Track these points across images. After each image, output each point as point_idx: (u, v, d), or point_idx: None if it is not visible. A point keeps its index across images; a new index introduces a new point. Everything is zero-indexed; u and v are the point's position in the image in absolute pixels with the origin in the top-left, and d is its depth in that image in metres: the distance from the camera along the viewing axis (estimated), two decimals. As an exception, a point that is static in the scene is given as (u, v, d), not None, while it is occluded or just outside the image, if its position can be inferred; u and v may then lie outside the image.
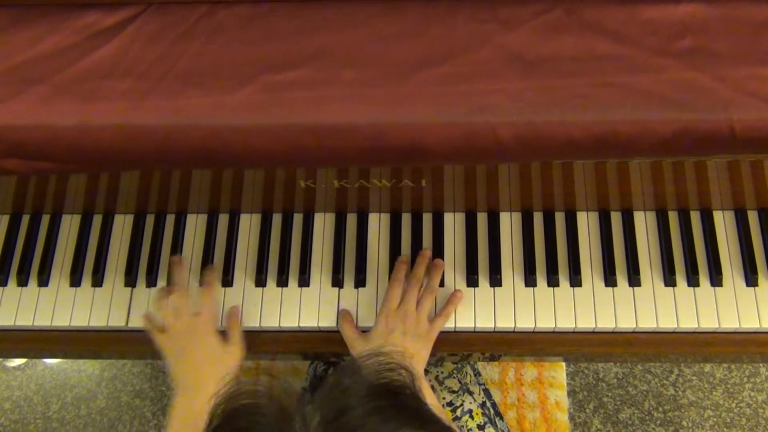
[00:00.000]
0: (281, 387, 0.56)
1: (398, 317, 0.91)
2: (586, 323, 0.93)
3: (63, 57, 0.77)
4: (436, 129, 0.72)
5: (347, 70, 0.75)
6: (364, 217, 1.00)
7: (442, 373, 1.09)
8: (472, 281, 0.96)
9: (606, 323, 0.93)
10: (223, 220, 1.02)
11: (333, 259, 0.98)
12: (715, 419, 1.69)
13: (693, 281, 0.94)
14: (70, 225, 1.03)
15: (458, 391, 1.06)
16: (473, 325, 0.94)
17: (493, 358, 1.09)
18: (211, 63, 0.76)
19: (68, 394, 1.80)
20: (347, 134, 0.73)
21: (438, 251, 0.98)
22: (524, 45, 0.75)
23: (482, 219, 0.99)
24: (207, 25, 0.79)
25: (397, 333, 0.90)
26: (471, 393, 1.07)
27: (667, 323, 0.92)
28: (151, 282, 0.99)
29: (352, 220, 1.01)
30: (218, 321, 0.96)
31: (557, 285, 0.95)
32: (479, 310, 0.95)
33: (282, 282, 0.98)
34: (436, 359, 1.07)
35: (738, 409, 1.70)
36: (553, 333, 0.95)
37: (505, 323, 0.94)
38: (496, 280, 0.96)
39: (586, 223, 0.98)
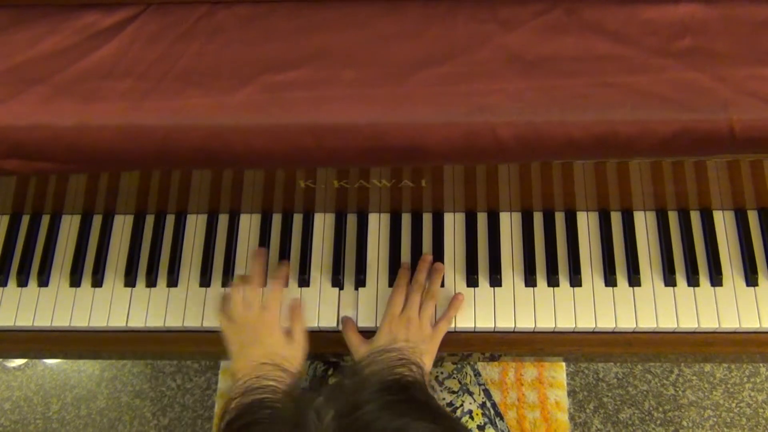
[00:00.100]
0: (294, 383, 0.57)
1: (401, 323, 0.91)
2: (586, 323, 0.93)
3: (63, 57, 0.77)
4: (436, 129, 0.72)
5: (347, 70, 0.75)
6: (364, 217, 1.00)
7: (441, 373, 1.08)
8: (472, 281, 0.96)
9: (606, 323, 0.93)
10: (223, 220, 1.02)
11: (333, 259, 0.98)
12: (715, 419, 1.69)
13: (693, 281, 0.94)
14: (69, 225, 1.03)
15: (458, 391, 1.06)
16: (473, 325, 0.94)
17: (493, 359, 1.09)
18: (211, 63, 0.76)
19: (68, 394, 1.80)
20: (347, 134, 0.73)
21: (438, 251, 0.98)
22: (524, 45, 0.75)
23: (482, 219, 0.99)
24: (207, 26, 0.79)
25: (400, 339, 0.90)
26: (471, 393, 1.07)
27: (667, 323, 0.92)
28: (151, 282, 0.99)
29: (352, 220, 1.01)
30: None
31: (557, 285, 0.95)
32: (479, 310, 0.95)
33: (282, 282, 0.97)
34: (435, 359, 1.07)
35: (738, 409, 1.70)
36: (553, 333, 0.95)
37: (505, 323, 0.94)
38: (496, 280, 0.96)
39: (586, 223, 0.98)
